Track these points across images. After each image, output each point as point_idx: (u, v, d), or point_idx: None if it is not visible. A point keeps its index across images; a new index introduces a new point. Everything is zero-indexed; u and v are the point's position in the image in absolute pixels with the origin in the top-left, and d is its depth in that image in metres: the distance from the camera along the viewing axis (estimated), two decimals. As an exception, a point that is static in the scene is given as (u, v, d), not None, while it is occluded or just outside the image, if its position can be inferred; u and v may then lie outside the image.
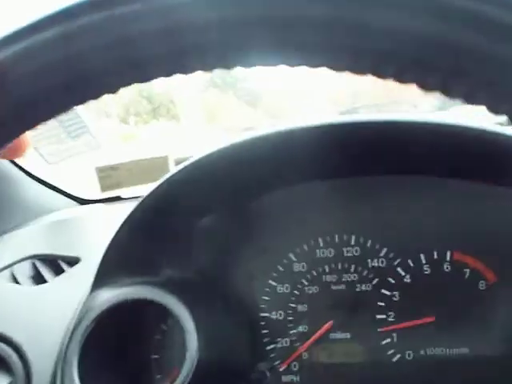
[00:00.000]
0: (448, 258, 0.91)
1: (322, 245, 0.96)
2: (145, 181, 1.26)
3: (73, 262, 0.87)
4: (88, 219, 1.04)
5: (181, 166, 0.73)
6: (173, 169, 0.76)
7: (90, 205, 1.19)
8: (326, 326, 0.94)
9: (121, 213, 0.74)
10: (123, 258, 0.74)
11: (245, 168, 0.81)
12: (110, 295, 0.70)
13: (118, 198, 1.19)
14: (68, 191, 1.20)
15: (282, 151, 0.74)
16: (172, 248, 0.86)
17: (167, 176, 0.73)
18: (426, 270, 0.92)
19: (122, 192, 1.18)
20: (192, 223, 0.91)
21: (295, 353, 0.94)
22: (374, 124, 0.77)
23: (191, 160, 0.72)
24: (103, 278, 0.73)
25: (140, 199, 0.73)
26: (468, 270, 0.90)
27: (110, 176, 1.13)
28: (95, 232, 0.98)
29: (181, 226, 0.82)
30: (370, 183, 0.94)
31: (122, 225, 0.74)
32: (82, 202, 1.20)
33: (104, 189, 1.15)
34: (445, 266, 0.91)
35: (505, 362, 0.87)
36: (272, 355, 0.95)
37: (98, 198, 1.19)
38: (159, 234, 0.78)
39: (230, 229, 0.97)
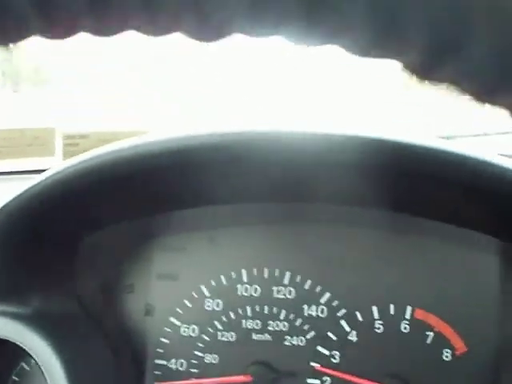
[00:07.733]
0: (407, 316, 0.70)
1: (245, 279, 0.73)
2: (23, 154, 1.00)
3: None
4: None
5: (71, 162, 0.57)
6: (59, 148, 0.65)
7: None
8: None
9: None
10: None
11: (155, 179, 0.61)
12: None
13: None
14: None
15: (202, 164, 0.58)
16: (47, 271, 0.66)
17: (54, 171, 0.57)
18: (378, 327, 0.71)
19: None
20: (76, 239, 0.69)
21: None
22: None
23: (87, 156, 0.57)
24: None
25: (11, 199, 0.58)
26: (431, 334, 0.69)
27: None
28: None
29: (62, 241, 0.67)
30: (316, 209, 0.71)
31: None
32: None
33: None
34: (402, 326, 0.70)
35: None
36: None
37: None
38: (31, 250, 0.63)
39: (123, 249, 0.73)
